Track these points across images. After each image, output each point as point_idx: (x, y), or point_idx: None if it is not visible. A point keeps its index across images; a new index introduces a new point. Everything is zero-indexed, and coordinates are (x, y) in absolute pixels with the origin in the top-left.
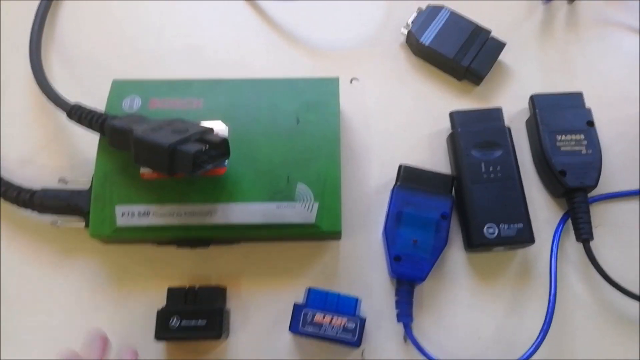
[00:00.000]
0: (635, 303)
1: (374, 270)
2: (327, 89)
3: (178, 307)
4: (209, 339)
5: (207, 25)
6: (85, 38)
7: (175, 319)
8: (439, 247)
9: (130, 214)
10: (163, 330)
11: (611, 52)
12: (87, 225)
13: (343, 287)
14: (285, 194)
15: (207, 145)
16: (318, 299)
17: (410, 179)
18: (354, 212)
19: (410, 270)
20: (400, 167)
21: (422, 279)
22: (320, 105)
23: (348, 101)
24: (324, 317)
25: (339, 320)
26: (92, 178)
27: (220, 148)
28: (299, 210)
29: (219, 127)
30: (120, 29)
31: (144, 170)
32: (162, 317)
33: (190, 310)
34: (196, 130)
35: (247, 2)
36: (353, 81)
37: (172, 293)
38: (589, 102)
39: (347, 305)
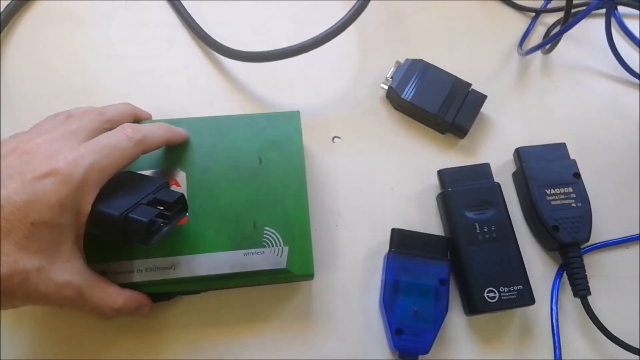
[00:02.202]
0: (634, 357)
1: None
2: (289, 123)
3: None
4: None
5: (174, 90)
6: (31, 77)
7: None
8: (440, 316)
9: None
10: None
11: (587, 99)
12: None
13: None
14: (253, 240)
15: (162, 206)
16: None
17: (403, 244)
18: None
19: (413, 343)
20: (392, 230)
21: (427, 351)
22: (283, 142)
23: (331, 160)
24: None
25: None
26: None
27: (177, 205)
28: (269, 256)
29: (176, 173)
30: (73, 69)
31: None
32: None
33: None
34: (147, 188)
35: (218, 67)
36: (335, 139)
37: None
38: (569, 150)
39: None
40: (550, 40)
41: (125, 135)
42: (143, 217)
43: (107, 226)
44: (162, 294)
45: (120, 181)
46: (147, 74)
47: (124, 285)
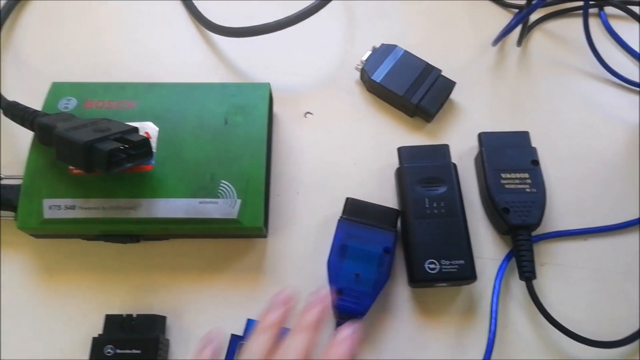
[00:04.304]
0: (576, 344)
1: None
2: (258, 93)
3: (114, 335)
4: None
5: (159, 56)
6: (36, 44)
7: (110, 348)
8: (380, 282)
9: (57, 207)
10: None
11: (561, 94)
12: (16, 219)
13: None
14: (209, 191)
15: (127, 144)
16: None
17: (355, 212)
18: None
19: (351, 305)
20: (347, 199)
21: (363, 313)
22: (249, 108)
23: (301, 134)
24: None
25: None
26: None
27: (141, 147)
28: (221, 206)
29: (149, 128)
30: (75, 34)
31: (72, 166)
32: (97, 346)
33: (126, 339)
34: (118, 129)
35: (203, 38)
36: (307, 115)
37: (109, 320)
38: (536, 142)
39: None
40: (510, 29)
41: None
42: (105, 147)
43: (74, 152)
44: (130, 235)
45: (96, 122)
46: (139, 45)
47: (89, 221)
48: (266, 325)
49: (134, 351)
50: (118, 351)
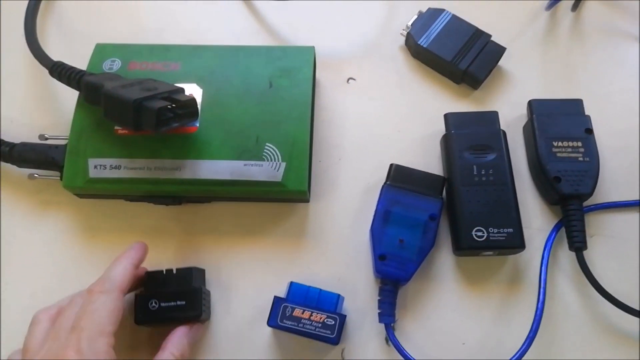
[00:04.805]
0: (627, 316)
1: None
2: (302, 56)
3: (156, 290)
4: (190, 319)
5: (202, 19)
6: (80, 8)
7: (154, 302)
8: (425, 249)
9: (102, 166)
10: (142, 314)
11: (614, 62)
12: (62, 178)
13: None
14: (254, 153)
15: (174, 104)
16: (299, 293)
17: (400, 179)
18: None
19: (395, 270)
20: (391, 166)
21: (407, 279)
22: (294, 71)
23: (344, 100)
24: (303, 312)
25: (319, 316)
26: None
27: (188, 107)
28: (266, 169)
29: (193, 90)
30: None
31: (119, 126)
32: (141, 301)
33: (169, 292)
34: (165, 89)
35: (244, 2)
36: (350, 81)
37: (150, 276)
38: (589, 112)
39: (328, 302)
40: None
41: (91, 296)
42: (154, 105)
43: (123, 111)
44: (173, 197)
45: (143, 81)
46: (184, 9)
47: (134, 181)
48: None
49: (179, 303)
50: (162, 304)
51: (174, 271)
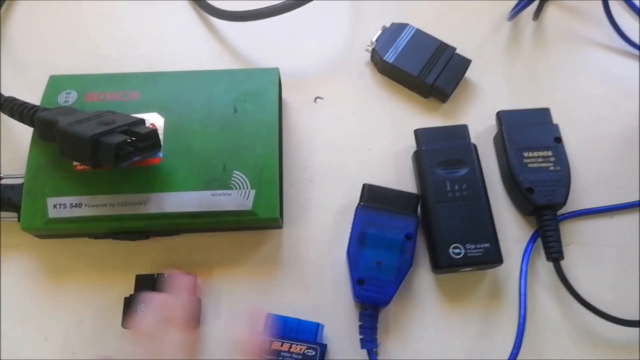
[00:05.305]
0: (607, 323)
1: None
2: (267, 78)
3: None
4: None
5: (161, 45)
6: (32, 39)
7: (142, 306)
8: (403, 269)
9: (62, 205)
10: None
11: (578, 68)
12: (19, 220)
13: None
14: (221, 182)
15: (134, 137)
16: (277, 325)
17: (374, 199)
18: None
19: (374, 294)
20: (364, 186)
21: (387, 302)
22: (259, 94)
23: (312, 120)
24: (282, 345)
25: (298, 348)
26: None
27: (149, 139)
28: (235, 198)
29: (155, 119)
30: (68, 29)
31: (77, 162)
32: (130, 305)
33: None
34: (124, 121)
35: (205, 24)
36: (317, 100)
37: (140, 280)
38: (557, 119)
39: (307, 331)
40: (526, 3)
41: None
42: (112, 141)
43: (80, 148)
44: (139, 232)
45: (100, 114)
46: (141, 34)
47: (96, 219)
48: None
49: None
50: None
51: (165, 275)
